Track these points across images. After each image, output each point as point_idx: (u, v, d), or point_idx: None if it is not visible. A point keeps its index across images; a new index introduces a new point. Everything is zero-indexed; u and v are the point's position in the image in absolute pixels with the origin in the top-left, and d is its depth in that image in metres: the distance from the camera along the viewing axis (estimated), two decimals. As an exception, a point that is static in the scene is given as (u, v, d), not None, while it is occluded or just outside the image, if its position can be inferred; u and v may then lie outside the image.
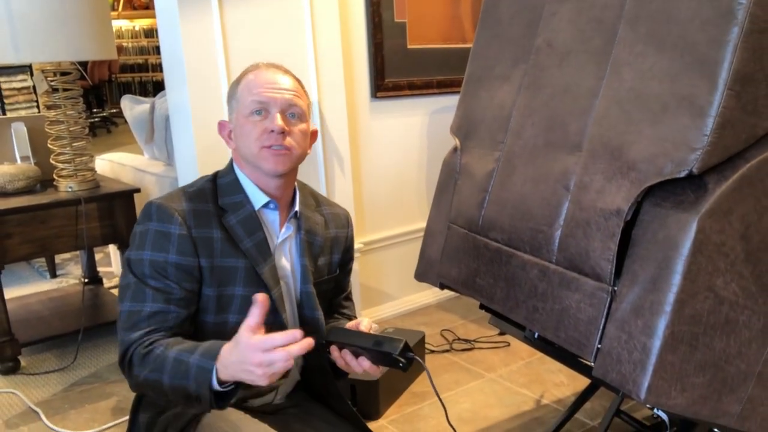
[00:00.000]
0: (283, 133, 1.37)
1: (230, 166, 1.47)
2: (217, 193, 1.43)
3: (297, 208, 1.49)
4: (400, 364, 1.26)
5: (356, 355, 1.34)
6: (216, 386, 1.19)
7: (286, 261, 1.48)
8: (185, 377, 1.22)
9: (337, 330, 1.38)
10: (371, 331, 1.36)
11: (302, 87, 1.46)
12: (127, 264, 1.37)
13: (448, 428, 2.25)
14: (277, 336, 1.11)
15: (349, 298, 1.68)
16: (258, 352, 1.11)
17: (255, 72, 1.43)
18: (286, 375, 1.47)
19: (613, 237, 1.32)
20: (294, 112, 1.40)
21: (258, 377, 1.12)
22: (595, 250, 1.36)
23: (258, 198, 1.43)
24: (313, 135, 1.50)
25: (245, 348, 1.13)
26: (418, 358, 1.28)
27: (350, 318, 1.62)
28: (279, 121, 1.37)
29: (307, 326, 1.47)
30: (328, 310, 1.62)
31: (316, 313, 1.47)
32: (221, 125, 1.47)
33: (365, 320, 1.40)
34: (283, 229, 1.47)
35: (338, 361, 1.37)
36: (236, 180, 1.44)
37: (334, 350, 1.36)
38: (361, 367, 1.34)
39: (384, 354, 1.27)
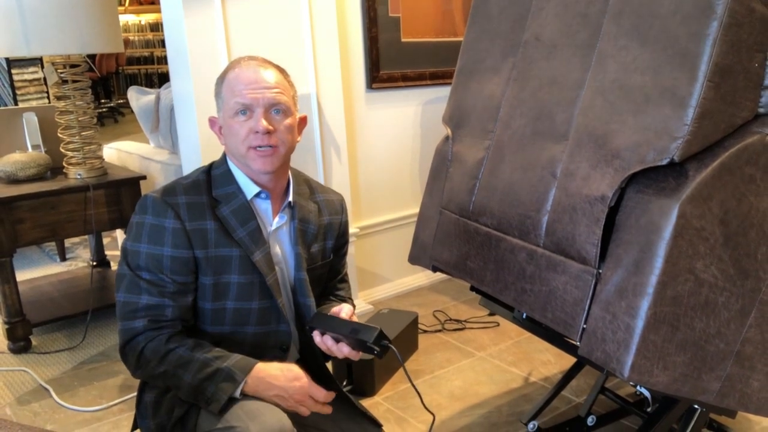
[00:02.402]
0: (269, 133, 1.38)
1: (223, 158, 1.48)
2: (211, 185, 1.45)
3: (291, 198, 1.51)
4: (375, 352, 1.33)
5: (336, 341, 1.40)
6: (237, 395, 1.30)
7: (280, 248, 1.50)
8: (209, 379, 1.31)
9: (320, 316, 1.43)
10: (352, 318, 1.41)
11: (286, 77, 1.46)
12: (124, 254, 1.41)
13: (439, 404, 2.32)
14: (320, 394, 1.35)
15: (344, 280, 1.71)
16: (305, 395, 1.34)
17: (237, 70, 1.42)
18: (286, 353, 1.53)
19: (598, 222, 1.35)
20: (278, 109, 1.40)
21: (287, 406, 1.32)
22: (581, 234, 1.39)
23: (250, 189, 1.45)
24: (302, 121, 1.50)
25: (298, 385, 1.34)
26: (392, 346, 1.34)
27: (344, 300, 1.66)
28: (263, 122, 1.37)
29: (302, 312, 1.52)
30: (323, 292, 1.65)
31: (307, 300, 1.50)
32: (211, 121, 1.49)
33: (346, 307, 1.44)
34: (277, 218, 1.49)
35: (321, 346, 1.42)
36: (229, 171, 1.46)
37: (316, 335, 1.41)
38: (341, 352, 1.40)
39: (360, 341, 1.33)
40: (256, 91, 1.38)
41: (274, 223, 1.49)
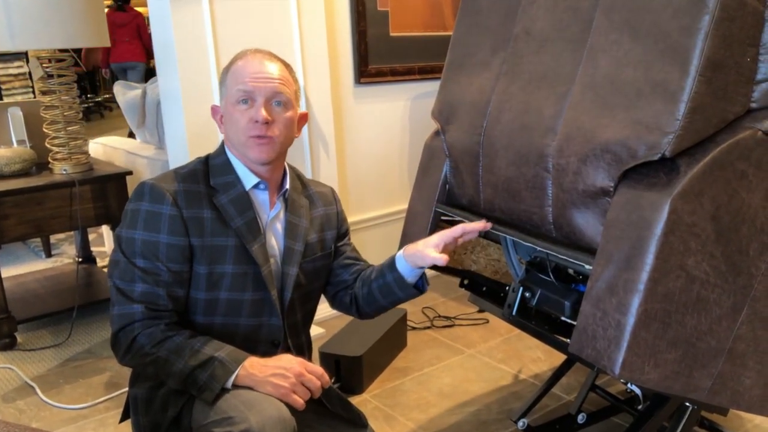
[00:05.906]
0: (267, 123, 1.39)
1: (222, 148, 1.49)
2: (208, 174, 1.45)
3: (287, 186, 1.52)
4: None
5: None
6: (228, 385, 1.29)
7: (275, 241, 1.51)
8: (201, 367, 1.30)
9: None
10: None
11: (290, 72, 1.48)
12: (118, 241, 1.40)
13: (429, 402, 2.31)
14: (320, 369, 1.33)
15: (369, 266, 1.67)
16: (302, 367, 1.31)
17: (243, 59, 1.44)
18: (277, 348, 1.51)
19: (605, 213, 1.35)
20: (279, 101, 1.42)
21: (287, 386, 1.28)
22: (588, 227, 1.39)
23: (249, 179, 1.46)
24: (303, 118, 1.52)
25: (291, 359, 1.33)
26: None
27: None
28: (263, 111, 1.39)
29: (285, 306, 1.50)
30: (358, 284, 1.62)
31: (287, 294, 1.49)
32: (214, 110, 1.50)
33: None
34: (275, 208, 1.50)
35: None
36: (227, 161, 1.47)
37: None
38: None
39: None
40: (259, 80, 1.41)
41: (271, 213, 1.49)
